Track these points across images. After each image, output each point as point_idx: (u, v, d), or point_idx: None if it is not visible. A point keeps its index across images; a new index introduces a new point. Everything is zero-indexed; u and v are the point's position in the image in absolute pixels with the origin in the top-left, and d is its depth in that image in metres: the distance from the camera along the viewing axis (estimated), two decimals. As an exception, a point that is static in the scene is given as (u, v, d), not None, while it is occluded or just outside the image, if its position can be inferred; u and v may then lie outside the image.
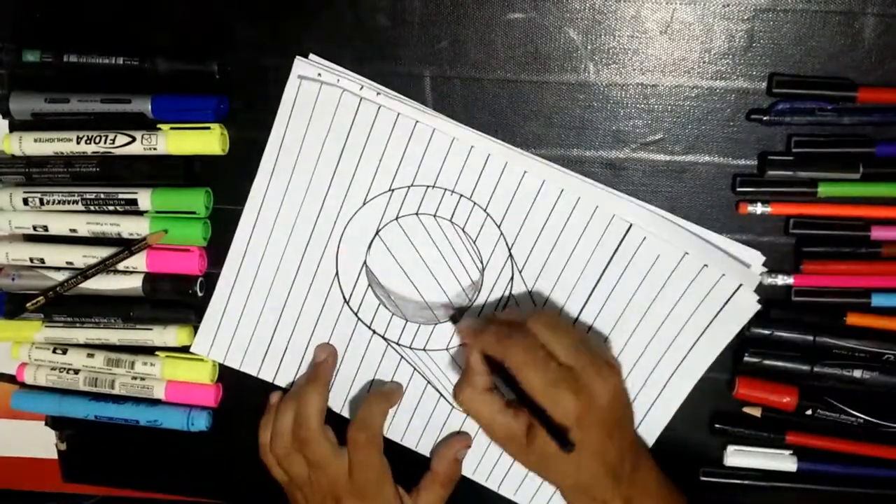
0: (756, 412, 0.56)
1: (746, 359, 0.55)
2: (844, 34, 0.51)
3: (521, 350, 0.50)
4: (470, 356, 0.53)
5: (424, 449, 0.61)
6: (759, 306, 0.54)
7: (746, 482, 0.58)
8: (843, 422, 0.55)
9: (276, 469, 0.59)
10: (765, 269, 0.54)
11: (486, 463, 0.61)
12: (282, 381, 0.62)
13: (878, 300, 0.53)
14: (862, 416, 0.54)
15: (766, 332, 0.54)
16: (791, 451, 0.57)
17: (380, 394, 0.58)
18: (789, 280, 0.54)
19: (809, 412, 0.55)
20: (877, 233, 0.53)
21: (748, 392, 0.56)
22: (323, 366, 0.59)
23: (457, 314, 0.57)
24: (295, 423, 0.57)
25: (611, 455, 0.51)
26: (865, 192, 0.53)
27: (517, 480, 0.60)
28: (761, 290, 0.54)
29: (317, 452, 0.56)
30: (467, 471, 0.61)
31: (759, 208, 0.53)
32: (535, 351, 0.50)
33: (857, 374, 0.54)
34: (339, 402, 0.61)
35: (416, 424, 0.61)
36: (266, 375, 0.62)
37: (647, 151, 0.55)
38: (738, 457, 0.58)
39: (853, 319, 0.54)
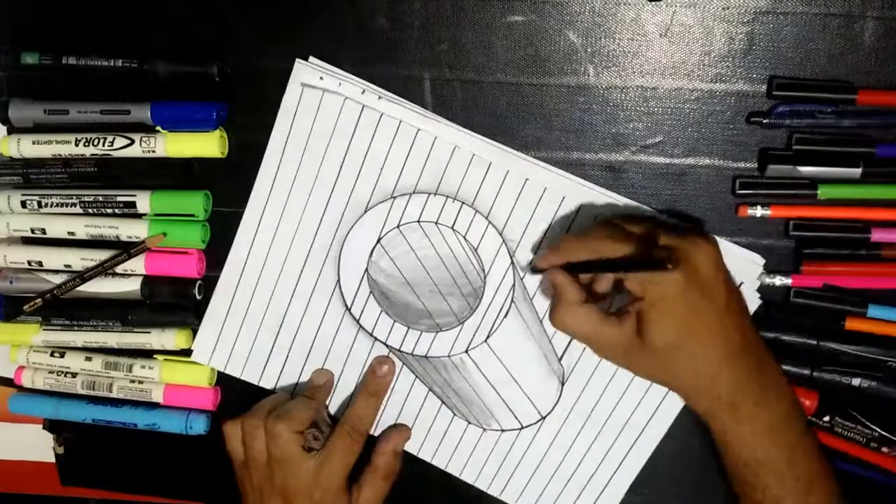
0: None
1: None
2: (844, 37, 0.51)
3: (606, 236, 0.49)
4: (553, 277, 0.50)
5: (426, 455, 0.61)
6: (759, 302, 0.54)
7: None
8: (857, 434, 0.55)
9: (236, 443, 0.57)
10: (764, 272, 0.54)
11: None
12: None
13: (874, 312, 0.53)
14: (878, 430, 0.54)
15: (768, 334, 0.54)
16: None
17: (370, 392, 0.59)
18: (787, 281, 0.54)
19: (827, 419, 0.55)
20: (877, 235, 0.53)
21: None
22: (322, 389, 0.59)
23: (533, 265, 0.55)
24: (275, 411, 0.56)
25: (728, 342, 0.48)
26: (865, 194, 0.53)
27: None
28: (761, 291, 0.54)
29: (283, 448, 0.55)
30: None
31: (758, 211, 0.53)
32: (617, 230, 0.49)
33: (856, 382, 0.54)
34: (340, 409, 0.61)
35: (416, 432, 0.61)
36: (267, 384, 0.61)
37: (646, 154, 0.55)
38: None
39: (852, 324, 0.54)
